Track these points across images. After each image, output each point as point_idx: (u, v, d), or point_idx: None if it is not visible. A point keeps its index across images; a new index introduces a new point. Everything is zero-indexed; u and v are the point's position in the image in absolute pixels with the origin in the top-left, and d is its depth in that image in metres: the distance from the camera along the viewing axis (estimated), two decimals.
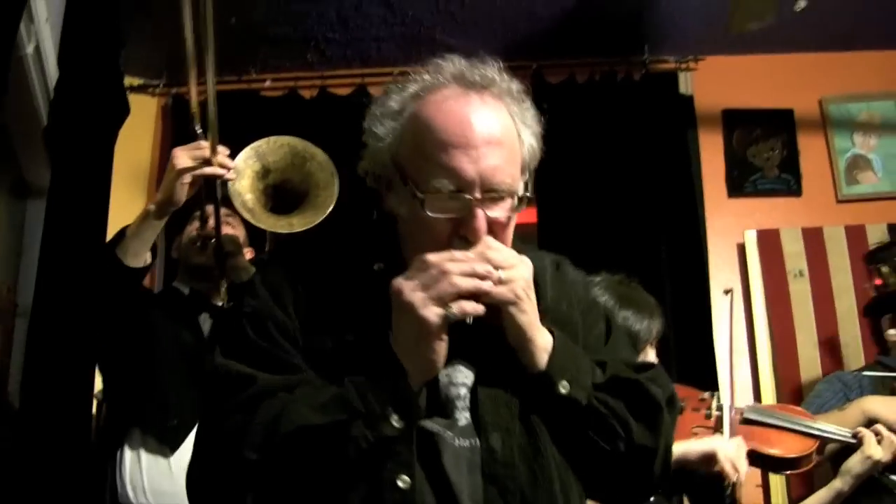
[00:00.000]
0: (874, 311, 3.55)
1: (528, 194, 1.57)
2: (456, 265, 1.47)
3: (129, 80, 4.24)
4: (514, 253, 1.54)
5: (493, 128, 1.53)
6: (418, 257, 1.49)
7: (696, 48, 4.63)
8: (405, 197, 1.55)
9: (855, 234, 4.36)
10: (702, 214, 4.46)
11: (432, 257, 1.48)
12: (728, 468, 2.45)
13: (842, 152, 4.63)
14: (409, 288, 1.47)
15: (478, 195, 1.51)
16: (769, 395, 4.18)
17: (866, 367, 3.43)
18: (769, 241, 4.41)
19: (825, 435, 2.85)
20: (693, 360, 4.09)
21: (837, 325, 4.22)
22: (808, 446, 2.78)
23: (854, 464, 2.84)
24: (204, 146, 2.52)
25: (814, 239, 4.38)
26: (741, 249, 4.45)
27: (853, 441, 2.86)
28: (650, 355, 2.63)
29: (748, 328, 4.35)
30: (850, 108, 4.66)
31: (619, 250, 4.17)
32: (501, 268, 1.49)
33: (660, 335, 2.56)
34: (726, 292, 3.62)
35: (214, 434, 1.53)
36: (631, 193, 4.45)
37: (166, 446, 2.70)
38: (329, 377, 1.51)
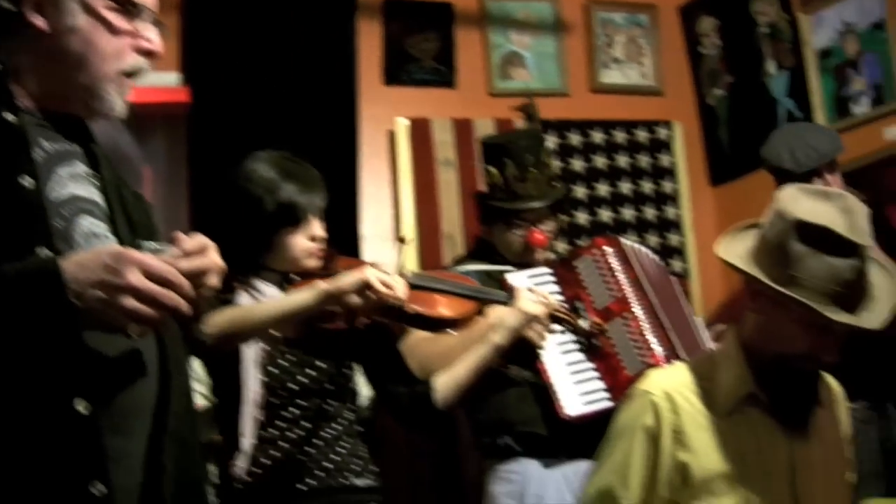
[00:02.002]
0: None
1: None
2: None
3: None
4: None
5: None
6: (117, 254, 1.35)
7: None
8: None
9: (504, 128, 4.41)
10: (356, 100, 4.38)
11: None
12: (381, 288, 2.48)
13: (497, 48, 4.66)
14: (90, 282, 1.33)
15: None
16: None
17: (469, 258, 3.46)
18: (420, 130, 4.39)
19: (485, 297, 2.89)
20: (340, 237, 4.01)
21: None
22: (468, 308, 2.81)
23: (508, 316, 2.84)
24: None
25: (463, 130, 4.41)
26: (393, 137, 4.41)
27: (510, 300, 2.89)
28: (316, 228, 2.62)
29: (395, 214, 4.33)
30: (508, 7, 4.70)
31: (276, 133, 4.03)
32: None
33: (323, 207, 2.63)
34: (401, 240, 3.59)
35: None
36: (289, 77, 4.31)
37: None
38: None
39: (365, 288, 2.47)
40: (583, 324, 3.02)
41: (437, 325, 2.80)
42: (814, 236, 1.96)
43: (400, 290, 2.53)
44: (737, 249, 2.11)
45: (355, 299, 2.47)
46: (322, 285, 2.47)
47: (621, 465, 2.12)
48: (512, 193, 3.32)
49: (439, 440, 3.99)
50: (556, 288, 3.18)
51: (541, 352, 3.05)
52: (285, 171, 2.61)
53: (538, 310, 2.85)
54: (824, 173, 3.44)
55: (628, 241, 3.39)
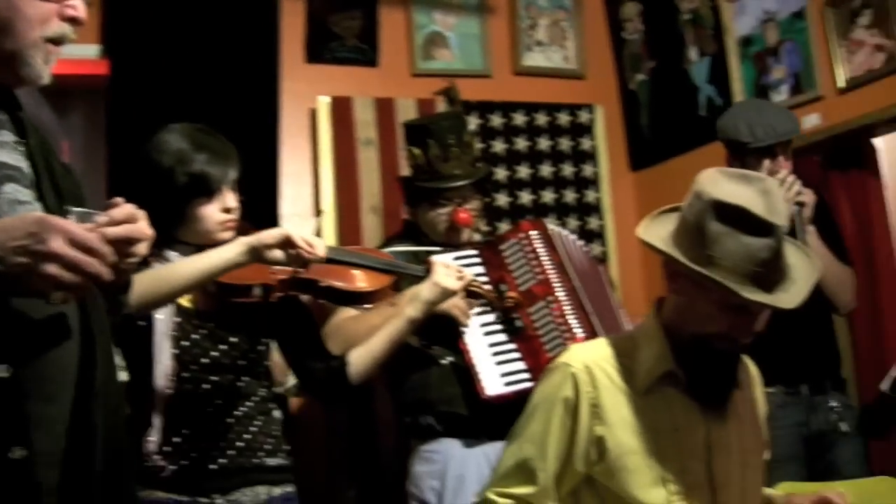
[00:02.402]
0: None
1: None
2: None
3: None
4: None
5: None
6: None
7: None
8: None
9: (426, 108, 4.39)
10: (278, 77, 4.30)
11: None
12: (300, 241, 2.44)
13: (420, 28, 4.63)
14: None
15: None
16: None
17: (396, 239, 3.45)
18: (341, 109, 4.34)
19: (400, 270, 2.88)
20: (259, 215, 3.94)
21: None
22: (382, 281, 2.80)
23: (423, 289, 2.87)
24: None
25: (385, 109, 4.37)
26: (314, 115, 4.35)
27: (425, 275, 2.90)
28: (230, 200, 2.58)
29: (314, 192, 4.28)
30: None
31: (196, 108, 3.94)
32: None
33: (237, 179, 2.59)
34: (318, 213, 3.56)
35: None
36: (211, 52, 4.21)
37: None
38: None
39: (286, 243, 2.43)
40: (499, 298, 3.04)
41: (350, 298, 2.78)
42: (730, 216, 1.97)
43: (320, 249, 2.48)
44: (657, 231, 2.11)
45: (277, 254, 2.43)
46: (244, 238, 2.43)
47: (540, 436, 2.12)
48: (435, 173, 3.32)
49: (356, 419, 3.96)
50: (481, 269, 3.21)
51: (464, 332, 3.09)
52: (197, 143, 2.56)
53: (453, 283, 2.87)
54: (778, 153, 3.45)
55: (554, 226, 3.42)
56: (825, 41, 3.95)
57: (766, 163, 3.37)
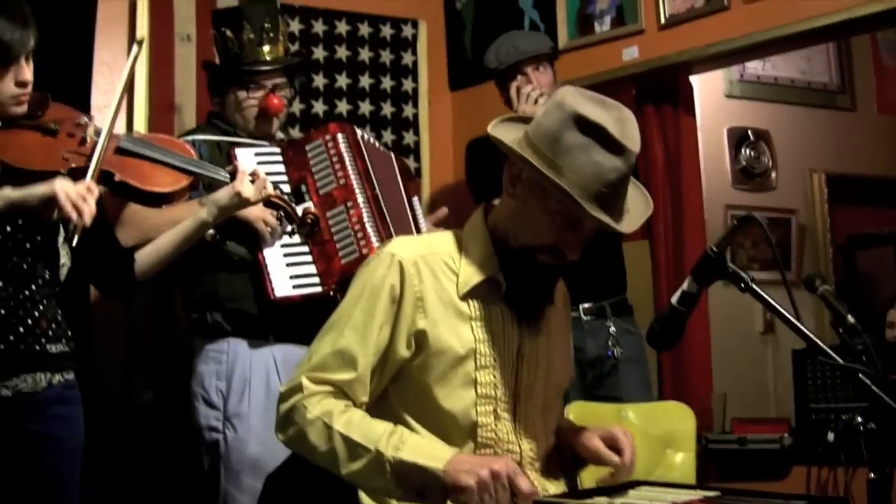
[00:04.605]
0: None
1: None
2: None
3: None
4: None
5: None
6: None
7: None
8: None
9: None
10: None
11: None
12: (69, 210, 2.28)
13: None
14: None
15: None
16: None
17: (199, 130, 3.34)
18: (160, 3, 4.11)
19: (201, 172, 2.77)
20: (68, 80, 3.72)
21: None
22: (180, 181, 2.68)
23: (222, 195, 2.81)
24: None
25: (204, 5, 4.16)
26: (133, 7, 4.08)
27: (228, 179, 2.83)
28: (25, 72, 2.39)
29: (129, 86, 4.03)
30: None
31: None
32: None
33: (34, 47, 2.38)
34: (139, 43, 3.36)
35: None
36: None
37: None
38: None
39: (52, 203, 2.31)
40: (298, 211, 3.00)
41: (145, 198, 2.67)
42: (589, 130, 1.99)
43: (91, 206, 2.34)
44: (505, 135, 2.10)
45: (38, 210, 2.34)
46: (5, 193, 2.30)
47: (362, 324, 2.10)
48: (248, 57, 3.25)
49: (155, 318, 3.86)
50: (282, 168, 3.18)
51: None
52: None
53: (252, 192, 2.82)
54: (525, 69, 3.63)
55: (363, 132, 3.39)
56: None
57: (514, 83, 3.58)
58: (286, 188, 3.11)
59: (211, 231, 2.99)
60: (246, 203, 2.82)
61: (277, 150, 3.23)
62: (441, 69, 4.90)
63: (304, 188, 3.14)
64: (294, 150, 3.23)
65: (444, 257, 2.17)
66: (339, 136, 3.20)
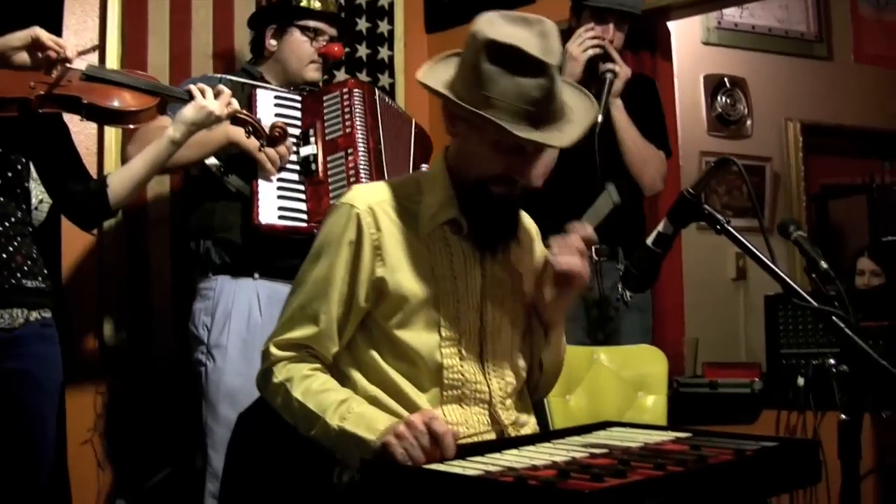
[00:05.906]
0: None
1: None
2: None
3: None
4: None
5: None
6: None
7: None
8: None
9: None
10: None
11: None
12: (49, 42, 2.46)
13: None
14: None
15: None
16: None
17: (234, 72, 3.48)
18: None
19: (164, 92, 2.85)
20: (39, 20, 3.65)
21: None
22: (146, 101, 2.77)
23: (187, 111, 2.84)
24: None
25: None
26: None
27: (187, 98, 2.88)
28: None
29: (101, 30, 3.93)
30: None
31: None
32: None
33: None
34: None
35: None
36: None
37: None
38: None
39: (35, 45, 2.43)
40: (265, 128, 3.02)
41: (114, 116, 2.75)
42: (503, 56, 1.98)
43: (70, 50, 2.49)
44: (438, 75, 2.10)
45: (23, 57, 2.44)
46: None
47: (323, 279, 2.13)
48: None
49: (127, 261, 3.83)
50: (297, 114, 3.32)
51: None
52: None
53: (216, 106, 2.85)
54: (610, 20, 3.53)
55: (384, 95, 3.50)
56: None
57: (593, 24, 3.49)
58: (296, 131, 3.25)
59: (216, 162, 3.16)
60: (211, 116, 2.84)
61: (298, 97, 3.37)
62: (417, 11, 4.85)
63: (312, 132, 3.28)
64: (313, 99, 3.37)
65: (403, 201, 2.18)
66: (356, 91, 3.34)
